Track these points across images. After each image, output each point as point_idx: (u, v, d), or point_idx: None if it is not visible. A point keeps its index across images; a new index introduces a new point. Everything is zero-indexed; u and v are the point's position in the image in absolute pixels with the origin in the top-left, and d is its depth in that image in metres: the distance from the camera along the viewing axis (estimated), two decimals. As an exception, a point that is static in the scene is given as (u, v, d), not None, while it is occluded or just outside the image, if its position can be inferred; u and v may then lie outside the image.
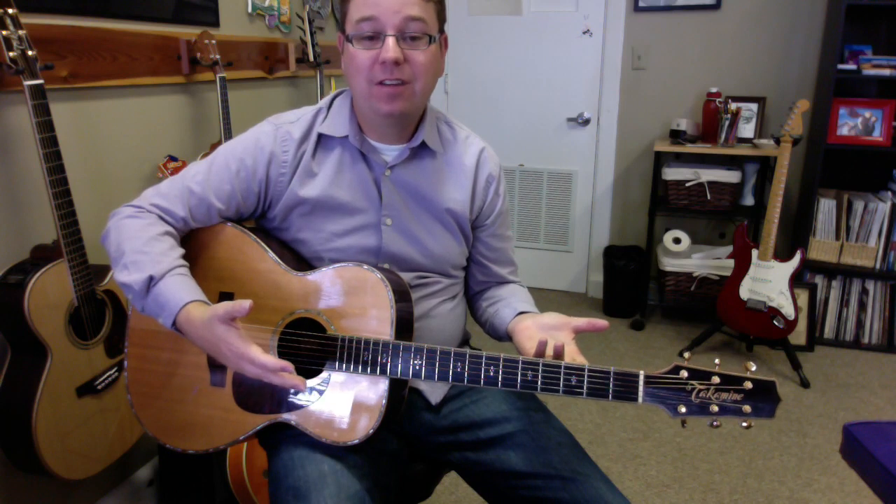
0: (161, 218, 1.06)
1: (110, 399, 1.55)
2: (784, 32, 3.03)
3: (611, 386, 0.90)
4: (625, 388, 0.89)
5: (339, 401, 1.00)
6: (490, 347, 1.03)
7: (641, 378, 0.89)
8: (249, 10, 2.31)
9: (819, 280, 2.95)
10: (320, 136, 1.11)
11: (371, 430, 0.98)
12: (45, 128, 1.33)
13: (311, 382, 1.01)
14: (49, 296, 1.38)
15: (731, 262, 2.78)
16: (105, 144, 1.73)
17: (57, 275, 1.39)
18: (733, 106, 2.93)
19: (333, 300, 1.03)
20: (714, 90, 3.04)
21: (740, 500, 1.95)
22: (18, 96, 1.41)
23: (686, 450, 2.19)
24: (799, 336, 2.90)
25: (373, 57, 1.00)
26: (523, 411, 1.12)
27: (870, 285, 2.91)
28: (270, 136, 1.10)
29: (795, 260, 2.62)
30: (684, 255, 3.13)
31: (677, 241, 3.14)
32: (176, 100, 1.97)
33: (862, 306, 2.95)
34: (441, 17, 1.06)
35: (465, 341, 1.30)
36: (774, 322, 2.63)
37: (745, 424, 0.88)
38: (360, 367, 0.99)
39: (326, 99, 1.16)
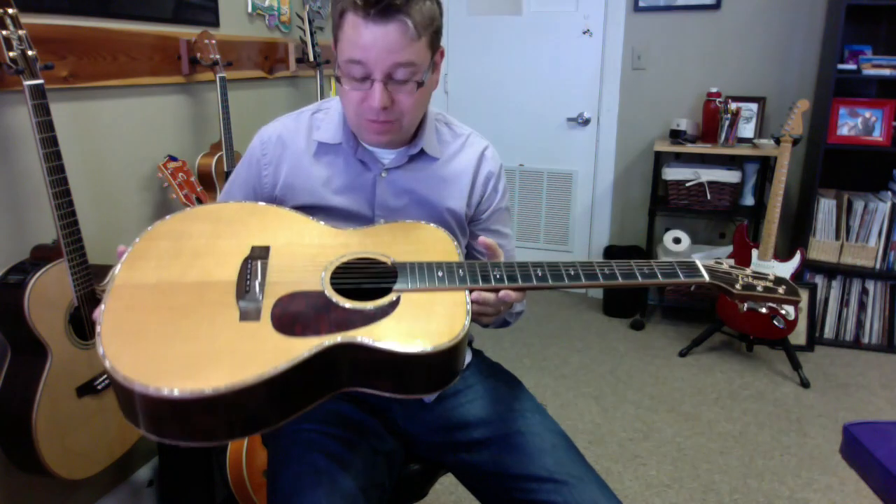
0: None
1: (110, 399, 1.55)
2: (784, 32, 3.03)
3: (678, 268, 0.99)
4: (690, 271, 0.99)
5: (418, 311, 0.89)
6: (493, 347, 1.02)
7: (699, 263, 1.00)
8: (249, 10, 2.31)
9: (819, 280, 2.95)
10: (311, 142, 1.13)
11: (465, 327, 0.87)
12: (45, 128, 1.33)
13: (378, 303, 0.89)
14: (49, 296, 1.38)
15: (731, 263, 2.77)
16: (105, 144, 1.73)
17: (57, 275, 1.39)
18: (733, 106, 2.93)
19: (392, 241, 0.99)
20: (714, 90, 3.04)
21: (740, 500, 1.95)
22: (18, 96, 1.41)
23: (686, 450, 2.19)
24: (799, 336, 2.90)
25: (361, 97, 1.00)
26: (519, 413, 1.12)
27: (870, 285, 2.91)
28: (257, 147, 1.17)
29: (795, 260, 2.62)
30: (684, 255, 3.13)
31: (677, 241, 3.14)
32: (176, 100, 1.97)
33: (862, 306, 2.95)
34: (434, 45, 1.02)
35: (468, 342, 1.29)
36: (774, 322, 2.63)
37: (785, 311, 1.01)
38: (434, 282, 0.92)
39: (316, 104, 1.19)
